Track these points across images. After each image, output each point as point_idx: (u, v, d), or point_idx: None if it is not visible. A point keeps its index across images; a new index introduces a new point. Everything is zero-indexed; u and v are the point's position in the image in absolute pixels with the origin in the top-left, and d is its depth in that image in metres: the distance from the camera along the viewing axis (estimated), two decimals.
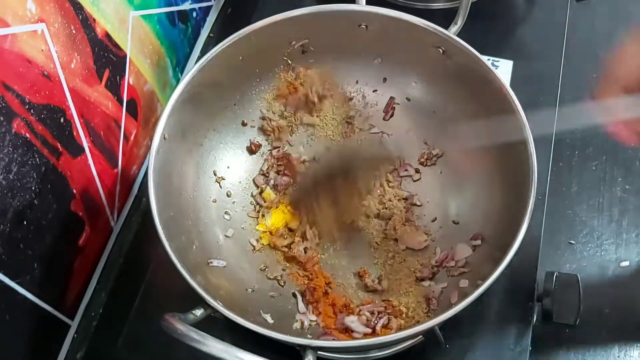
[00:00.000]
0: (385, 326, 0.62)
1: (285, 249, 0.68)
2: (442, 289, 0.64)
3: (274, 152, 0.73)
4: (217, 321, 0.55)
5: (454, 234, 0.68)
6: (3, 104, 0.49)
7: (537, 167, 0.58)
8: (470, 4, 0.68)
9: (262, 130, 0.73)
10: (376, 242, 0.69)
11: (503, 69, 0.79)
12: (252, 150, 0.73)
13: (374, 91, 0.74)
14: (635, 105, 0.49)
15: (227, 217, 0.70)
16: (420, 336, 0.62)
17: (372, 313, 0.63)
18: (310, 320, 0.64)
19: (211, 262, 0.65)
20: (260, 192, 0.72)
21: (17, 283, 0.54)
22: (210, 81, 0.66)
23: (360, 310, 0.64)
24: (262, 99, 0.73)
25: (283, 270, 0.68)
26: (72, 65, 0.57)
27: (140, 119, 0.72)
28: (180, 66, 0.80)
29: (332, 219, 0.68)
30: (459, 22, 0.68)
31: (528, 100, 0.62)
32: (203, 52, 0.84)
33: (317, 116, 0.74)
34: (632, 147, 0.77)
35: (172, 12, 0.75)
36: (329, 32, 0.69)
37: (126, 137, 0.70)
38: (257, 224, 0.70)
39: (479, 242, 0.65)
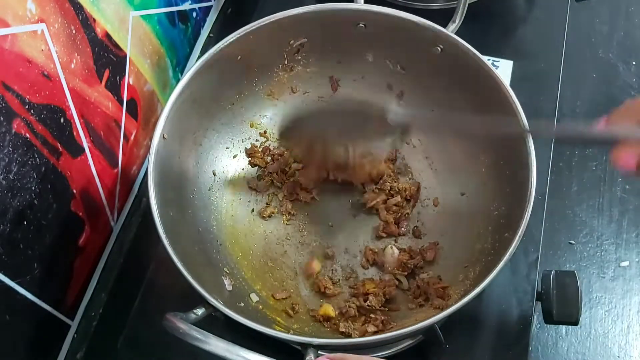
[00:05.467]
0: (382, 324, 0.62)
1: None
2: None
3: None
4: (217, 321, 0.55)
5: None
6: (3, 104, 0.49)
7: (537, 167, 0.58)
8: (468, 2, 0.68)
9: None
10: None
11: (503, 69, 0.79)
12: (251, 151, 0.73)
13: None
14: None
15: None
16: (420, 335, 0.62)
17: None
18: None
19: (211, 261, 0.65)
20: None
21: (17, 283, 0.54)
22: (210, 81, 0.66)
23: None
24: (260, 98, 0.73)
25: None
26: (72, 65, 0.57)
27: (140, 119, 0.72)
28: (180, 66, 0.80)
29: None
30: (457, 21, 0.68)
31: (528, 100, 0.62)
32: (203, 52, 0.83)
33: None
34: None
35: (172, 12, 0.75)
36: (328, 32, 0.69)
37: (126, 137, 0.70)
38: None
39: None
